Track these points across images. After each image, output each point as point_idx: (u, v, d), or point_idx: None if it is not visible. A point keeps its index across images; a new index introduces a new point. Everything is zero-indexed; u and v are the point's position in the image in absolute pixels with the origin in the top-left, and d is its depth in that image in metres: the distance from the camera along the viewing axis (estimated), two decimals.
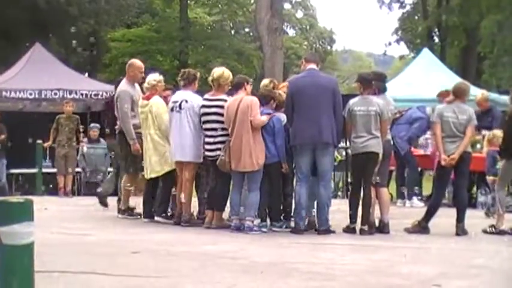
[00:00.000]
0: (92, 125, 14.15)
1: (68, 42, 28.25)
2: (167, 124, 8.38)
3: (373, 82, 7.97)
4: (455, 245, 7.17)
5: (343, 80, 50.35)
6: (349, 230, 7.79)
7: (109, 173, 13.89)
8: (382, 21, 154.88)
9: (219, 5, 39.03)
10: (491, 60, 31.04)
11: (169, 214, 8.61)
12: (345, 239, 7.38)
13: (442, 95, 11.64)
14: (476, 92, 12.98)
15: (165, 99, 8.64)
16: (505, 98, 15.93)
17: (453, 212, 8.12)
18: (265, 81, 8.68)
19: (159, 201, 8.63)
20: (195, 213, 8.44)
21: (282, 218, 8.00)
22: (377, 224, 7.92)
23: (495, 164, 10.30)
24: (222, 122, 7.93)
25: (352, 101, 7.87)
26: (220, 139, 7.93)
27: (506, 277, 5.47)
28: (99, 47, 31.63)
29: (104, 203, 9.72)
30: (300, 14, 51.90)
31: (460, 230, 7.86)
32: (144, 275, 5.05)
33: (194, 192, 8.77)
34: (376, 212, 7.97)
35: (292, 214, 8.01)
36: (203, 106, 8.08)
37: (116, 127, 9.04)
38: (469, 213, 8.40)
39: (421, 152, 12.18)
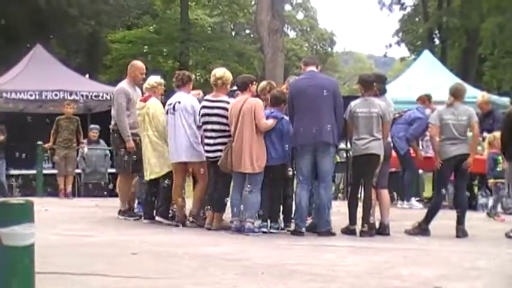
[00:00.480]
0: (92, 126, 14.15)
1: (68, 44, 28.27)
2: (165, 125, 8.40)
3: (375, 84, 7.98)
4: (456, 247, 7.18)
5: (343, 81, 50.37)
6: (349, 231, 7.79)
7: (109, 174, 13.95)
8: (382, 23, 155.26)
9: (220, 7, 39.05)
10: (491, 62, 31.11)
11: (170, 215, 8.60)
12: (345, 241, 7.37)
13: (422, 99, 11.67)
14: (477, 94, 12.99)
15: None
16: (505, 100, 15.95)
17: (453, 214, 8.12)
18: (262, 84, 8.66)
19: (161, 201, 8.63)
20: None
21: (281, 219, 8.01)
22: (377, 225, 7.92)
23: (496, 166, 10.31)
24: (223, 124, 7.93)
25: (353, 103, 7.87)
26: (220, 140, 7.93)
27: (506, 279, 5.46)
28: (99, 48, 31.65)
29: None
30: (300, 16, 51.95)
31: (461, 232, 7.86)
32: (145, 276, 5.05)
33: (191, 193, 8.79)
34: (376, 214, 7.97)
35: (292, 216, 8.01)
36: (204, 107, 8.09)
37: (111, 126, 9.08)
38: (470, 215, 8.40)
39: (422, 153, 12.16)
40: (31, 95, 14.90)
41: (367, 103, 7.79)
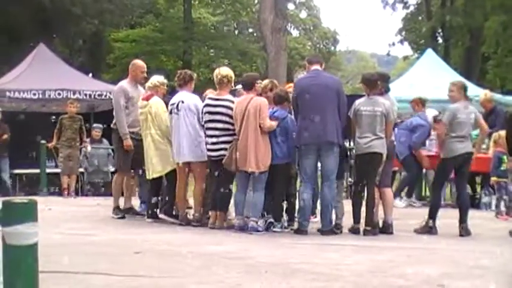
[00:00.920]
0: (95, 125, 14.16)
1: (71, 43, 28.28)
2: (167, 124, 8.39)
3: (379, 82, 7.96)
4: (459, 245, 7.17)
5: (346, 80, 50.35)
6: (353, 230, 7.79)
7: (112, 173, 13.95)
8: (385, 21, 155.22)
9: (223, 5, 39.05)
10: (495, 60, 31.06)
11: (174, 213, 8.60)
12: (349, 240, 7.37)
13: (415, 102, 11.61)
14: (480, 92, 12.97)
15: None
16: (508, 98, 15.95)
17: (456, 212, 8.12)
18: (265, 82, 8.65)
19: (164, 200, 8.64)
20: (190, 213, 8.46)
21: (284, 218, 8.01)
22: (381, 224, 7.92)
23: (500, 165, 10.28)
24: (227, 122, 7.93)
25: (358, 101, 7.87)
26: (224, 139, 7.92)
27: (510, 278, 5.45)
28: (102, 47, 31.67)
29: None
30: (303, 15, 51.87)
31: (464, 231, 7.86)
32: (148, 274, 5.05)
33: (190, 192, 8.78)
34: (380, 213, 7.96)
35: (296, 215, 8.01)
36: (208, 105, 8.08)
37: (112, 124, 9.09)
38: (473, 213, 8.38)
39: (424, 152, 12.14)
40: (34, 94, 14.92)
41: (371, 102, 7.78)
